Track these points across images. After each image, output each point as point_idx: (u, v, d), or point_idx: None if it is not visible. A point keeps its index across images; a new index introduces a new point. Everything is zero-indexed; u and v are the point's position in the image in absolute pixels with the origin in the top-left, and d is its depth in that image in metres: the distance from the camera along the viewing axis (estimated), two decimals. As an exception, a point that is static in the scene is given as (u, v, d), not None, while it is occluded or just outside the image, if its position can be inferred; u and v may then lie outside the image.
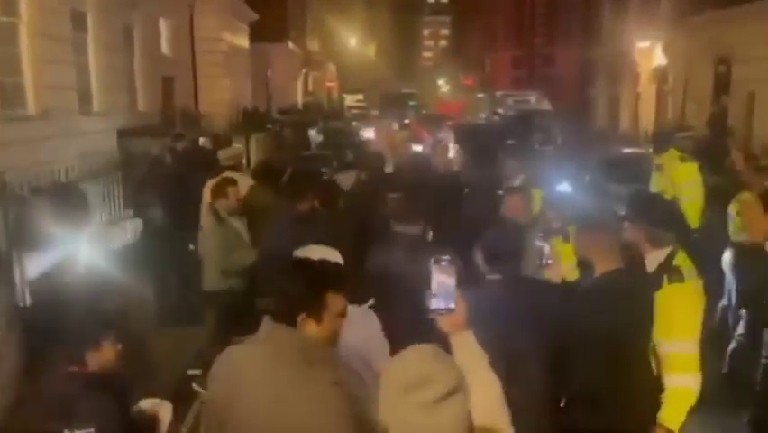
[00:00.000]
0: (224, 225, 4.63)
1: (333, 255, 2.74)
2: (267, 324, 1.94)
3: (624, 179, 7.66)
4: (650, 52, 18.63)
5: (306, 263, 2.07)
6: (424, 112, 28.70)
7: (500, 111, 15.67)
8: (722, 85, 14.77)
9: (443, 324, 1.87)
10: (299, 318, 1.90)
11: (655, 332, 2.70)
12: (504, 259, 2.70)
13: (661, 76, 18.51)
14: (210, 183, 6.00)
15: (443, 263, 1.88)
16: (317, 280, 1.95)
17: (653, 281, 2.80)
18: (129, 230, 8.64)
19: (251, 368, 1.89)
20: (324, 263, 2.10)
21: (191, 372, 4.72)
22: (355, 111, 32.22)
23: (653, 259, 2.88)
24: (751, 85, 12.99)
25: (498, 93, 18.08)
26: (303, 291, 1.92)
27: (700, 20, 15.08)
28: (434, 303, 1.87)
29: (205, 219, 5.02)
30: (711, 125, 14.18)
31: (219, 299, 4.58)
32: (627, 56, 20.09)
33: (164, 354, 5.05)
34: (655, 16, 18.26)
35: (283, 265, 2.06)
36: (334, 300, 1.95)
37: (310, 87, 39.17)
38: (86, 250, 5.30)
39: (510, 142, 8.51)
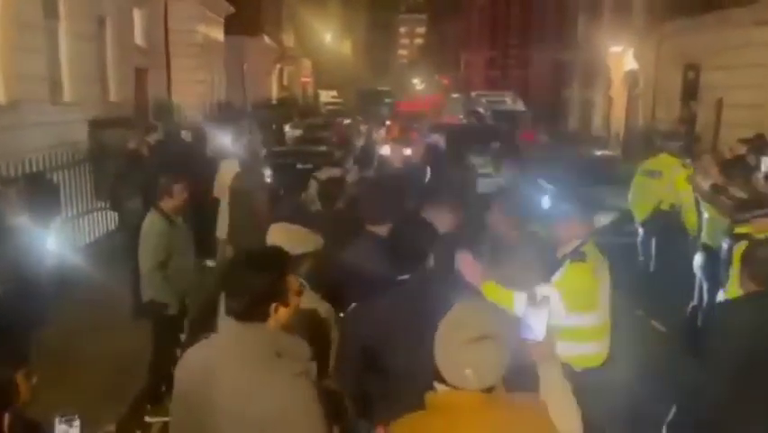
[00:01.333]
0: (174, 226, 4.42)
1: (281, 235, 2.80)
2: (231, 324, 1.95)
3: (596, 182, 7.77)
4: (622, 57, 18.97)
5: (266, 254, 2.13)
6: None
7: (481, 110, 15.56)
8: (691, 91, 15.13)
9: (533, 353, 2.02)
10: (271, 308, 1.96)
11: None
12: (411, 260, 2.60)
13: (632, 80, 18.86)
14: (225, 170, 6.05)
15: (536, 296, 2.06)
16: (280, 267, 2.01)
17: None
18: (101, 222, 8.53)
19: (219, 367, 1.91)
20: (276, 248, 2.18)
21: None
22: (331, 107, 32.16)
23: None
24: (718, 92, 13.33)
25: (474, 93, 18.21)
26: (271, 281, 1.95)
27: (671, 27, 15.41)
28: (525, 332, 2.02)
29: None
30: (680, 130, 14.51)
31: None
32: (600, 60, 20.42)
33: (140, 348, 5.01)
34: (628, 22, 18.59)
35: (241, 261, 2.06)
36: (291, 280, 2.04)
37: (285, 82, 38.96)
38: (55, 241, 5.24)
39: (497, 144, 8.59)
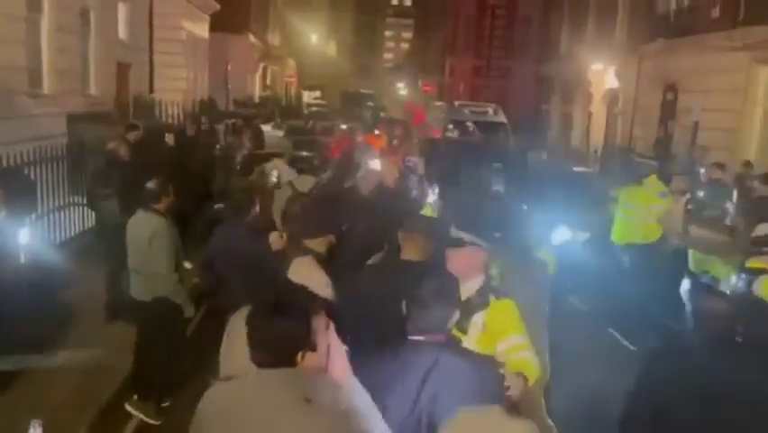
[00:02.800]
0: (171, 226, 4.41)
1: (305, 273, 2.76)
2: (259, 373, 1.84)
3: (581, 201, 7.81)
4: (603, 75, 19.27)
5: (289, 301, 1.95)
6: (382, 114, 28.85)
7: (469, 124, 15.22)
8: (668, 111, 15.43)
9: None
10: (299, 357, 1.84)
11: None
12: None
13: (612, 98, 19.18)
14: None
15: None
16: (305, 312, 1.88)
17: None
18: (76, 219, 8.41)
19: (242, 412, 1.81)
20: (296, 292, 2.04)
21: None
22: (314, 108, 32.08)
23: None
24: (694, 114, 13.62)
25: (457, 103, 18.29)
26: (296, 330, 1.83)
27: (651, 48, 15.72)
28: None
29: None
30: (656, 150, 14.80)
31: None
32: (582, 76, 20.72)
33: (115, 350, 4.97)
34: (610, 41, 18.91)
35: (262, 310, 1.90)
36: (318, 320, 1.90)
37: (268, 82, 38.82)
38: (30, 237, 5.17)
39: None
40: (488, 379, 2.32)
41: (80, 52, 11.60)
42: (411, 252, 3.07)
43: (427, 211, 4.99)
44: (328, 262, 3.21)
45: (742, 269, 4.12)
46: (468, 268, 2.85)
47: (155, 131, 10.04)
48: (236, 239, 4.09)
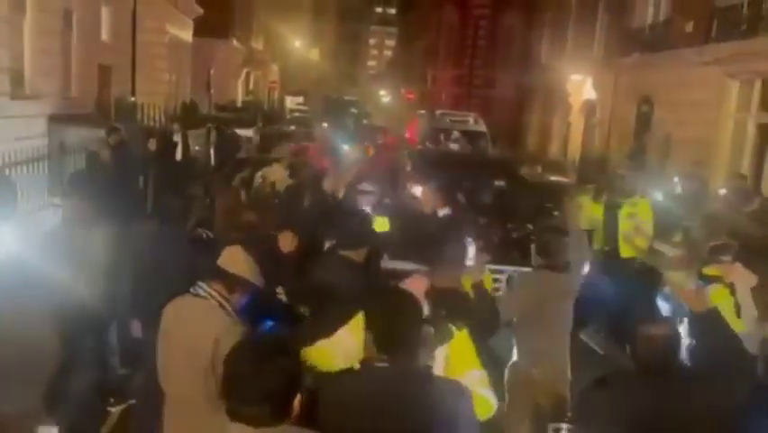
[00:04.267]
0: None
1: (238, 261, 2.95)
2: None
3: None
4: (582, 86, 19.65)
5: (276, 343, 1.90)
6: (365, 122, 29.00)
7: (456, 133, 15.08)
8: (644, 123, 15.80)
9: None
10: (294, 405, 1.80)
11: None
12: None
13: (590, 109, 19.55)
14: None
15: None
16: (296, 353, 1.90)
17: None
18: (52, 219, 8.42)
19: None
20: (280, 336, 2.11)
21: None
22: (296, 114, 32.11)
23: None
24: (668, 126, 13.98)
25: (438, 112, 18.49)
26: (293, 376, 1.76)
27: (628, 62, 16.09)
28: None
29: None
30: (631, 161, 15.12)
31: None
32: (561, 87, 21.09)
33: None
34: (589, 53, 19.30)
35: (249, 356, 1.79)
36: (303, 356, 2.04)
37: (251, 86, 38.79)
38: (10, 236, 5.20)
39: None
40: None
41: (62, 54, 11.60)
42: None
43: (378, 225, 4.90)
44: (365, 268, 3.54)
45: (699, 277, 4.22)
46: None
47: (137, 134, 10.07)
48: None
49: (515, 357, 3.94)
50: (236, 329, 2.70)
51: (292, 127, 20.62)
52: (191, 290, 2.86)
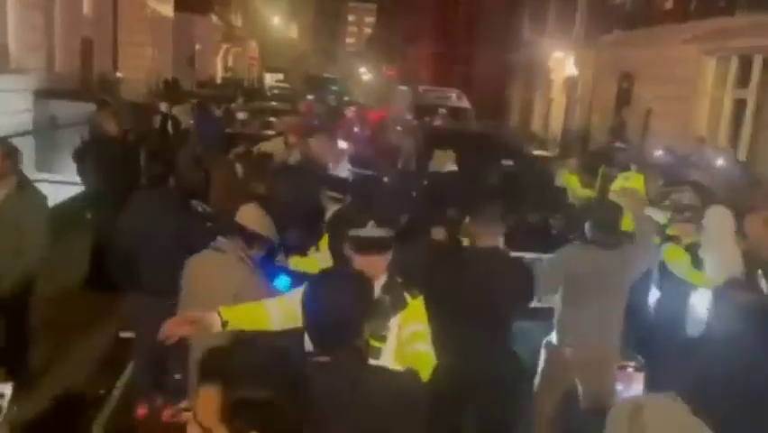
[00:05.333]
0: None
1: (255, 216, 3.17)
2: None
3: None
4: (563, 63, 19.87)
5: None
6: (346, 99, 28.94)
7: (443, 111, 14.49)
8: (624, 99, 16.10)
9: None
10: None
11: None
12: None
13: (571, 86, 19.80)
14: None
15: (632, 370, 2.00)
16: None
17: None
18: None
19: None
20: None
21: (123, 334, 4.90)
22: (276, 91, 31.89)
23: None
24: (648, 102, 14.29)
25: (421, 88, 18.57)
26: None
27: (609, 39, 16.33)
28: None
29: None
30: (612, 136, 15.44)
31: None
32: (542, 64, 21.29)
33: (94, 317, 5.16)
34: (570, 30, 19.49)
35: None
36: None
37: (230, 63, 38.38)
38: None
39: None
40: None
41: (46, 27, 11.46)
42: None
43: None
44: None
45: (664, 237, 4.48)
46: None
47: (124, 110, 10.06)
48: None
49: (554, 334, 3.83)
50: (255, 281, 2.87)
51: (273, 103, 20.55)
52: (211, 245, 3.02)
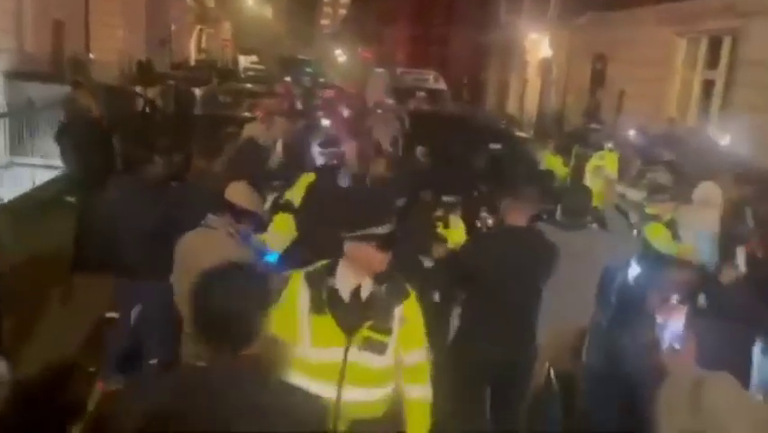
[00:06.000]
0: None
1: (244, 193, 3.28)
2: None
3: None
4: (539, 44, 20.02)
5: None
6: (321, 80, 28.77)
7: (422, 94, 14.14)
8: (598, 81, 16.32)
9: (670, 361, 1.96)
10: None
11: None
12: None
13: (546, 67, 19.98)
14: None
15: (675, 302, 2.04)
16: None
17: None
18: (22, 178, 8.35)
19: None
20: None
21: (108, 314, 4.95)
22: (251, 73, 31.56)
23: None
24: (621, 83, 14.53)
25: (399, 70, 18.63)
26: None
27: (583, 20, 16.50)
28: (666, 339, 1.99)
29: None
30: (586, 117, 15.67)
31: None
32: (518, 45, 21.43)
33: (80, 298, 5.19)
34: (545, 11, 19.62)
35: None
36: None
37: (203, 44, 37.80)
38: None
39: None
40: None
41: (16, 7, 11.23)
42: None
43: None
44: None
45: (643, 216, 4.72)
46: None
47: (98, 92, 9.95)
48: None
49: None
50: (245, 256, 2.96)
51: (249, 85, 20.36)
52: (202, 222, 3.11)
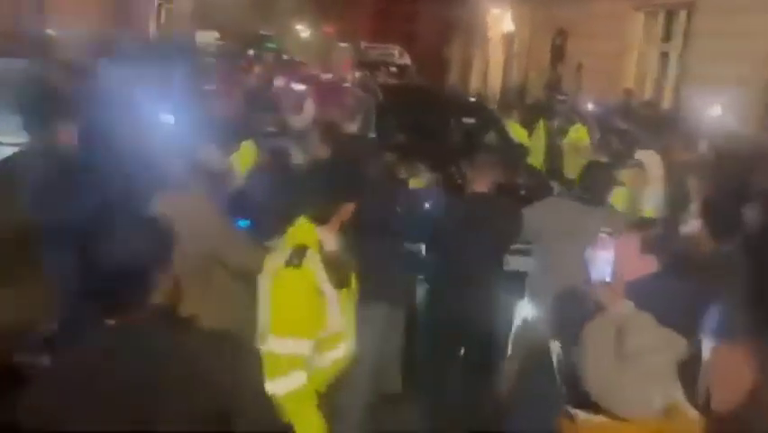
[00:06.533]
0: None
1: None
2: None
3: None
4: (501, 19, 20.25)
5: None
6: (285, 57, 28.50)
7: (393, 69, 13.90)
8: (558, 55, 16.67)
9: (602, 294, 2.06)
10: None
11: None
12: None
13: (508, 42, 20.25)
14: None
15: (605, 238, 2.07)
16: None
17: None
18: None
19: None
20: None
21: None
22: (212, 50, 31.01)
23: None
24: (580, 57, 14.89)
25: (363, 45, 18.67)
26: None
27: (544, -6, 16.77)
28: (595, 274, 2.04)
29: None
30: (546, 91, 16.03)
31: None
32: (481, 21, 21.61)
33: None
34: (507, -14, 19.83)
35: None
36: None
37: (162, 20, 36.86)
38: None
39: None
40: None
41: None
42: None
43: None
44: None
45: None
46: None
47: (58, 68, 9.77)
48: None
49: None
50: (221, 220, 3.10)
51: (212, 59, 20.06)
52: (178, 185, 3.18)
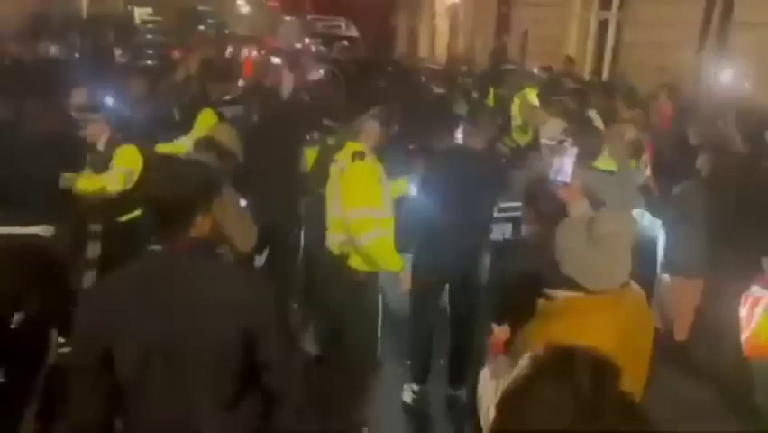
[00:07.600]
0: None
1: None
2: None
3: None
4: (445, -11, 20.41)
5: None
6: (227, 32, 27.88)
7: (345, 43, 13.63)
8: (504, 24, 17.01)
9: (562, 194, 2.42)
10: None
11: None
12: None
13: (454, 12, 20.46)
14: None
15: (562, 144, 2.39)
16: None
17: None
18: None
19: None
20: None
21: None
22: (150, 26, 30.04)
23: None
24: (525, 24, 15.27)
25: (309, 17, 18.49)
26: None
27: (488, -37, 17.01)
28: (555, 177, 2.37)
29: None
30: (493, 60, 16.39)
31: None
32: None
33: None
34: (450, -45, 19.97)
35: None
36: None
37: (95, -5, 35.34)
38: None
39: None
40: None
41: None
42: None
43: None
44: None
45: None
46: None
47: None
48: None
49: None
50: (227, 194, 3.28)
51: (149, 36, 19.55)
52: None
